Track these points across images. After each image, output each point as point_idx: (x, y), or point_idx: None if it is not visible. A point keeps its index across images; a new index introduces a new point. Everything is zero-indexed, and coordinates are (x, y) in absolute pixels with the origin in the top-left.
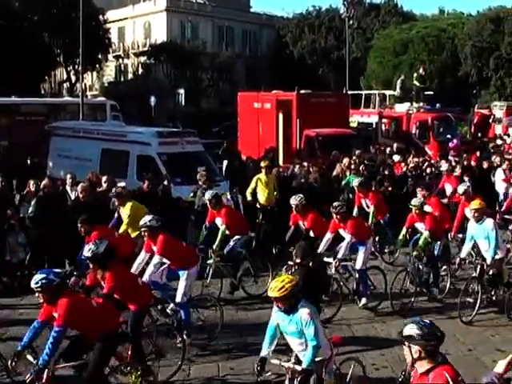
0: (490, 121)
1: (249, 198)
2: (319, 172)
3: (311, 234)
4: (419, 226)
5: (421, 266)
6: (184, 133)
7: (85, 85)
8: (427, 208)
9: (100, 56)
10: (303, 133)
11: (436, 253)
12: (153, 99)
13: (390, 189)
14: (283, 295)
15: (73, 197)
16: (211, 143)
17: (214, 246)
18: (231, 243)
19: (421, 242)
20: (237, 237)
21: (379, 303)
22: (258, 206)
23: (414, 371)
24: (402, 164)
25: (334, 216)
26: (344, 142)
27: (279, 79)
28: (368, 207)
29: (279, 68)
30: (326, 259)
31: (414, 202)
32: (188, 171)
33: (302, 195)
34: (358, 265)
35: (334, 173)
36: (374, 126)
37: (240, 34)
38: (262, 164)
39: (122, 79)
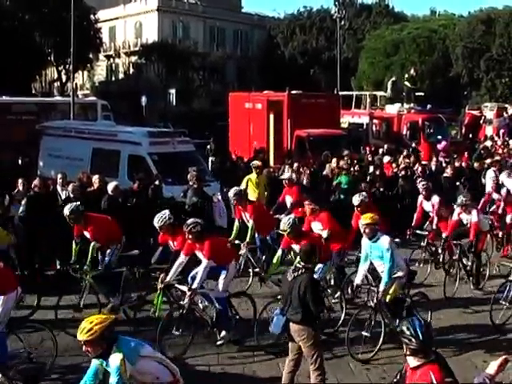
0: (481, 122)
1: None
2: (310, 172)
3: None
4: (296, 247)
5: None
6: (175, 133)
7: (76, 84)
8: (316, 225)
9: (91, 55)
10: (294, 133)
11: (318, 276)
12: (144, 99)
13: (381, 189)
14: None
15: (63, 196)
16: (202, 143)
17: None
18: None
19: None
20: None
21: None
22: None
23: (406, 363)
24: (393, 165)
25: (186, 235)
26: (335, 143)
27: (270, 80)
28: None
29: (270, 68)
30: (178, 286)
31: (283, 226)
32: (179, 171)
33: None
34: (216, 293)
35: (324, 173)
36: (364, 126)
37: (231, 35)
38: (254, 164)
39: (113, 79)
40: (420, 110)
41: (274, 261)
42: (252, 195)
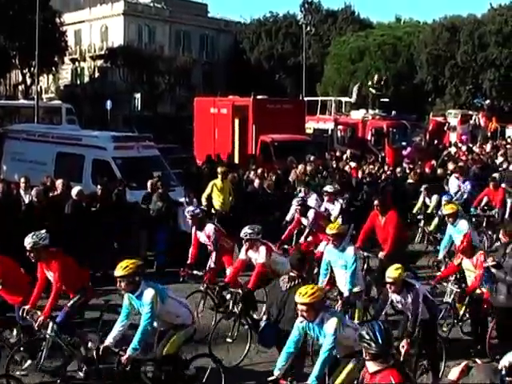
0: (445, 128)
1: (204, 203)
2: (275, 178)
3: None
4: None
5: None
6: (140, 137)
7: (40, 88)
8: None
9: (56, 59)
10: (259, 138)
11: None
12: (109, 103)
13: (346, 195)
14: None
15: (27, 200)
16: (167, 148)
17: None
18: None
19: None
20: None
21: None
22: (212, 211)
23: (364, 368)
24: (359, 171)
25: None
26: (299, 148)
27: (236, 85)
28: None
29: (236, 73)
30: None
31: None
32: (143, 176)
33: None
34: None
35: (290, 179)
36: (329, 132)
37: (197, 39)
38: (219, 170)
39: (78, 82)
40: (385, 116)
41: None
42: (217, 200)
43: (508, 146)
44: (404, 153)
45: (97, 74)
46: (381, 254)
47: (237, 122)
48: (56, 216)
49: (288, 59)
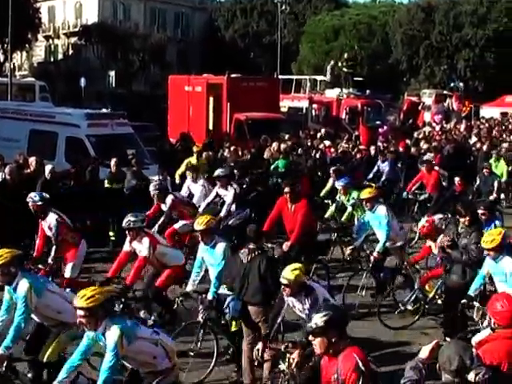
0: (420, 108)
1: (178, 180)
2: (250, 156)
3: None
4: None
5: None
6: (113, 115)
7: (13, 65)
8: None
9: (29, 36)
10: (233, 116)
11: None
12: (83, 80)
13: (319, 174)
14: None
15: (0, 178)
16: (141, 126)
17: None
18: None
19: None
20: None
21: None
22: None
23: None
24: (332, 149)
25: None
26: (273, 127)
27: (211, 63)
28: None
29: (211, 52)
30: None
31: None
32: (117, 153)
33: None
34: None
35: (265, 157)
36: (304, 111)
37: (172, 17)
38: (194, 149)
39: (52, 60)
40: (359, 95)
41: None
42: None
43: (481, 127)
44: (378, 132)
45: (71, 52)
46: (285, 245)
47: (211, 100)
48: (29, 194)
49: (263, 38)
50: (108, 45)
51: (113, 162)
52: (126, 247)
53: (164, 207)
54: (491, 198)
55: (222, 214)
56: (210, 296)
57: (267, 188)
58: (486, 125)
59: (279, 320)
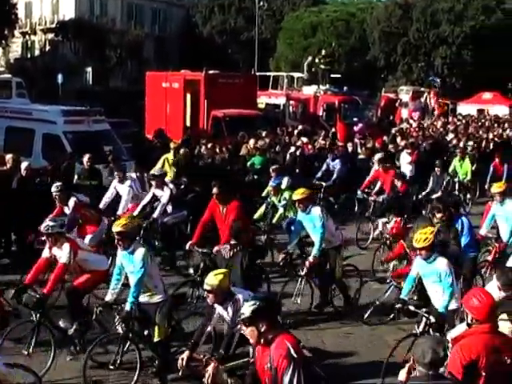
0: (397, 105)
1: None
2: (228, 153)
3: None
4: None
5: None
6: (90, 111)
7: None
8: None
9: (6, 32)
10: (210, 113)
11: None
12: (60, 77)
13: (297, 171)
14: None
15: None
16: (118, 122)
17: None
18: None
19: None
20: None
21: None
22: None
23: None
24: (310, 146)
25: None
26: (251, 123)
27: (188, 59)
28: None
29: (188, 48)
30: None
31: None
32: (94, 150)
33: None
34: None
35: (241, 153)
36: (281, 107)
37: (149, 13)
38: (171, 144)
39: (29, 56)
40: (336, 91)
41: None
42: (168, 175)
43: (458, 123)
44: (355, 128)
45: (48, 48)
46: (215, 249)
47: (188, 96)
48: (4, 191)
49: (241, 34)
50: (85, 41)
51: (86, 158)
52: (46, 253)
53: (67, 210)
54: (434, 196)
55: (155, 215)
56: (127, 307)
57: (205, 189)
58: (463, 121)
59: (209, 329)
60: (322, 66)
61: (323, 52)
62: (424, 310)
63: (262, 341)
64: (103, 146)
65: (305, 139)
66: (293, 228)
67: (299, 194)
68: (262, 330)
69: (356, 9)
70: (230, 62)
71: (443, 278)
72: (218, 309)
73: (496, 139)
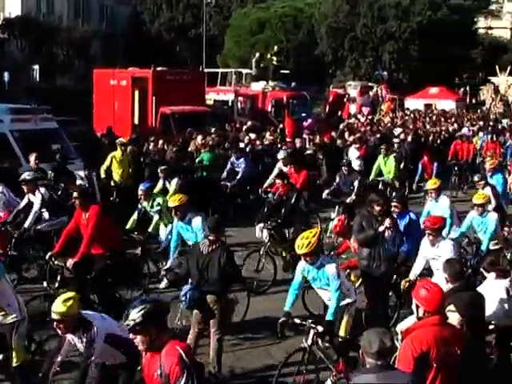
0: (345, 100)
1: (103, 175)
2: (176, 149)
3: None
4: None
5: None
6: (37, 110)
7: None
8: None
9: None
10: (159, 110)
11: None
12: (6, 75)
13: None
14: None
15: None
16: (66, 120)
17: None
18: None
19: None
20: None
21: None
22: (112, 183)
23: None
24: (258, 142)
25: None
26: (199, 120)
27: (136, 56)
28: None
29: (136, 45)
30: None
31: None
32: (42, 149)
33: None
34: None
35: (189, 150)
36: (230, 103)
37: (97, 10)
38: (118, 142)
39: None
40: (285, 87)
41: None
42: (116, 173)
43: (406, 118)
44: (304, 124)
45: None
46: (69, 263)
47: (136, 94)
48: None
49: (189, 31)
50: (32, 38)
51: (32, 157)
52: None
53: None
54: (348, 200)
55: (27, 224)
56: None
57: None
58: (411, 116)
59: (59, 359)
60: (275, 62)
61: (276, 48)
62: (310, 320)
63: (153, 347)
64: (51, 144)
65: (253, 135)
66: (170, 237)
67: (176, 200)
68: (155, 334)
69: (304, 4)
70: (178, 58)
71: (331, 282)
72: (70, 337)
73: (444, 133)
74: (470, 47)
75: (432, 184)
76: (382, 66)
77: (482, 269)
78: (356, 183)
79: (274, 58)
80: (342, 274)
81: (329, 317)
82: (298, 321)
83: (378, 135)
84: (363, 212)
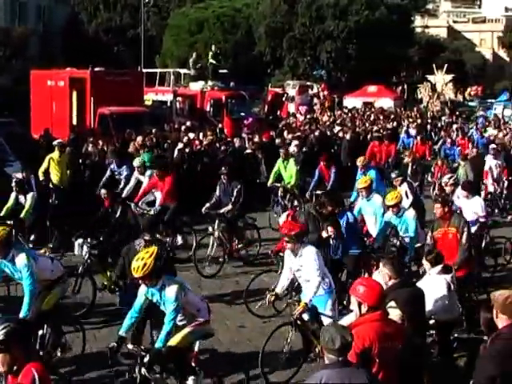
0: (284, 99)
1: (41, 177)
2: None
3: None
4: None
5: None
6: None
7: None
8: None
9: None
10: (97, 111)
11: None
12: None
13: (184, 166)
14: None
15: None
16: (2, 122)
17: None
18: None
19: None
20: None
21: None
22: (50, 185)
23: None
24: (197, 142)
25: None
26: (138, 120)
27: (74, 57)
28: None
29: (74, 45)
30: None
31: None
32: None
33: None
34: None
35: (129, 150)
36: (168, 104)
37: (34, 9)
38: (56, 143)
39: None
40: (223, 87)
41: None
42: (54, 174)
43: (344, 116)
44: (244, 123)
45: None
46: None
47: (74, 94)
48: None
49: (127, 31)
50: None
51: None
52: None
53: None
54: (223, 210)
55: None
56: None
57: None
58: (349, 114)
59: None
60: (214, 62)
61: (213, 48)
62: (143, 347)
63: (14, 368)
64: None
65: (191, 135)
66: None
67: None
68: (17, 355)
69: (242, 4)
70: (117, 59)
71: (167, 306)
72: None
73: (382, 131)
74: (407, 46)
75: (362, 183)
76: (321, 65)
77: (424, 261)
78: (235, 193)
79: (211, 59)
80: (191, 294)
81: (159, 343)
82: (130, 346)
83: (317, 133)
84: (312, 212)
